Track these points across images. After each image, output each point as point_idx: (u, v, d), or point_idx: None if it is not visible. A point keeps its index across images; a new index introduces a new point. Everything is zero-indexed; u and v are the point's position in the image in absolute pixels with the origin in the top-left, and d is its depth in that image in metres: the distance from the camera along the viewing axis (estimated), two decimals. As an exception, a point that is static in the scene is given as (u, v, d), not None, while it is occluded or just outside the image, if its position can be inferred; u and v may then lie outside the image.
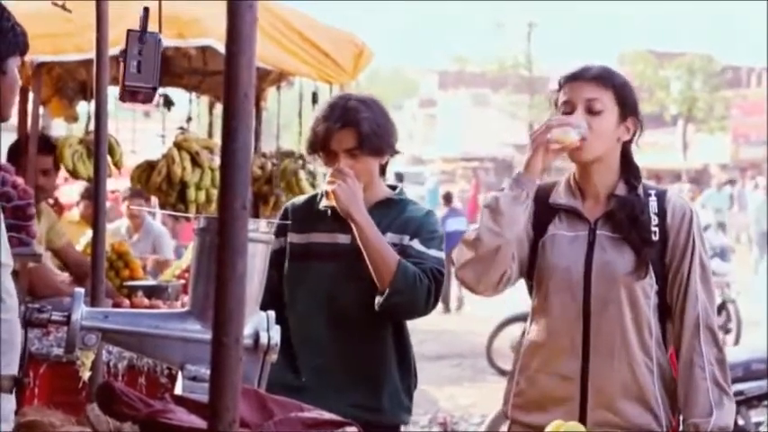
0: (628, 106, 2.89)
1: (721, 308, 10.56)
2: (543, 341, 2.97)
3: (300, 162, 6.05)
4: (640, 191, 2.91)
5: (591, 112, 2.85)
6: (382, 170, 3.44)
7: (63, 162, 5.36)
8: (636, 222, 2.87)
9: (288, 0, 5.76)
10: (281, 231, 3.34)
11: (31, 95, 5.28)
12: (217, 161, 5.79)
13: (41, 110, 6.08)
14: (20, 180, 4.17)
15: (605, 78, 2.88)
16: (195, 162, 5.65)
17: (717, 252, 11.73)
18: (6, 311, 2.44)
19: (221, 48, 4.00)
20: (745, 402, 6.45)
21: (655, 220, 2.88)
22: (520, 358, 3.04)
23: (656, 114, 41.10)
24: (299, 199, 3.61)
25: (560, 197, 2.99)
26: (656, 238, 2.87)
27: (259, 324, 2.32)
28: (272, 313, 2.38)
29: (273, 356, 2.31)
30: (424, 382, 10.22)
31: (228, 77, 1.45)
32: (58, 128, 8.37)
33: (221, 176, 1.48)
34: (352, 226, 3.22)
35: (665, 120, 40.89)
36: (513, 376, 3.05)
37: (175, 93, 7.00)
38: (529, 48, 48.65)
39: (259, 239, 2.33)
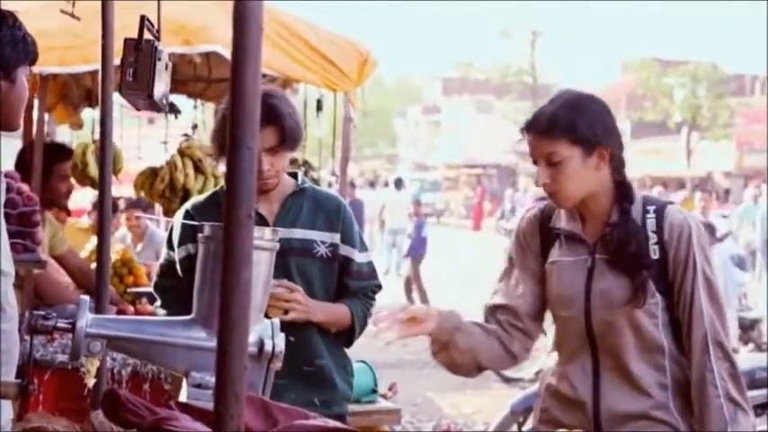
0: (588, 142, 2.80)
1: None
2: (562, 362, 3.00)
3: (304, 168, 6.06)
4: (636, 212, 2.86)
5: (551, 164, 2.81)
6: None
7: (88, 169, 5.40)
8: (626, 249, 2.82)
9: (294, 2, 5.77)
10: (188, 237, 3.31)
11: (36, 102, 5.30)
12: (220, 168, 5.80)
13: (46, 116, 6.10)
14: (25, 187, 4.18)
15: (552, 129, 2.80)
16: (198, 169, 5.67)
17: (735, 262, 11.70)
18: (6, 321, 2.45)
19: (227, 54, 4.01)
20: (749, 411, 6.46)
21: (653, 237, 2.83)
22: (546, 376, 3.06)
23: (659, 122, 41.08)
24: (199, 199, 3.54)
25: (561, 221, 2.97)
26: (655, 255, 2.82)
27: (263, 331, 2.32)
28: (276, 321, 2.39)
29: (278, 364, 2.31)
30: (427, 389, 10.24)
31: (234, 88, 1.46)
32: (62, 134, 8.39)
33: (227, 185, 1.49)
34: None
35: (668, 127, 40.85)
36: (540, 393, 3.08)
37: (180, 99, 7.02)
38: (533, 55, 48.71)
39: (264, 247, 2.34)
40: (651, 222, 2.84)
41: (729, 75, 42.87)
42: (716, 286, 2.85)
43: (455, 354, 2.97)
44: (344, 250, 3.37)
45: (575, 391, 2.92)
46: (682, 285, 2.82)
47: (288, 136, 3.24)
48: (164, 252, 3.47)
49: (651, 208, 2.87)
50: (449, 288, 16.90)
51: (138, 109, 3.57)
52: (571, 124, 2.79)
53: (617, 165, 2.87)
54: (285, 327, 3.20)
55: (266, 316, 3.10)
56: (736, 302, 10.17)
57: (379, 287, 3.52)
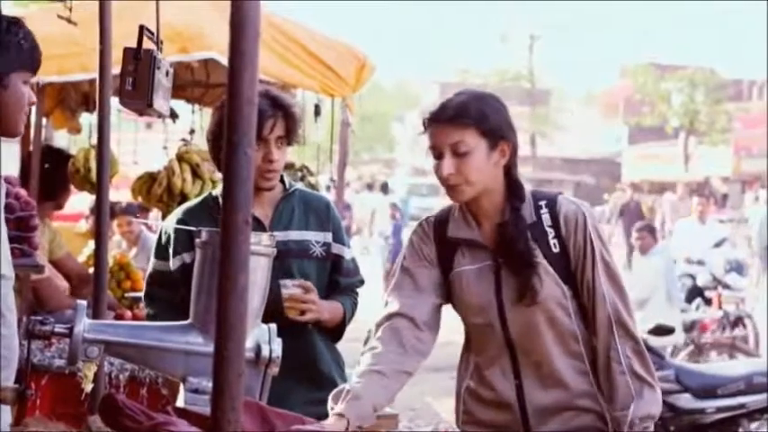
0: (494, 135, 2.80)
1: (738, 321, 10.51)
2: (480, 366, 2.99)
3: (300, 174, 6.07)
4: (528, 209, 2.86)
5: (456, 154, 2.78)
6: None
7: (91, 174, 5.42)
8: (515, 248, 2.83)
9: (291, 6, 5.77)
10: (183, 244, 3.31)
11: (33, 107, 5.31)
12: (218, 173, 5.81)
13: (44, 121, 6.11)
14: (22, 191, 4.19)
15: (462, 116, 2.78)
16: (196, 174, 5.66)
17: (733, 267, 11.69)
18: (6, 327, 2.44)
19: (224, 60, 4.01)
20: (747, 415, 6.48)
21: (551, 232, 2.84)
22: (465, 378, 3.05)
23: (657, 127, 41.12)
24: (190, 205, 3.52)
25: (458, 229, 2.94)
26: (556, 249, 2.83)
27: (260, 337, 2.33)
28: (273, 326, 2.39)
29: (275, 369, 2.32)
30: (425, 394, 10.23)
31: (231, 93, 1.46)
32: (60, 139, 8.39)
33: (224, 191, 1.49)
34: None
35: (666, 132, 40.87)
36: (460, 395, 3.06)
37: (178, 104, 7.02)
38: (531, 60, 48.80)
39: (261, 253, 2.34)
40: (546, 217, 2.85)
41: (727, 80, 42.93)
42: (614, 268, 2.87)
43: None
44: (336, 248, 3.43)
45: (498, 395, 2.93)
46: (583, 273, 2.84)
47: (293, 128, 3.31)
48: (152, 261, 3.43)
49: (543, 203, 2.87)
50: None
51: (140, 114, 3.58)
52: (481, 114, 2.79)
53: (513, 163, 2.88)
54: (288, 327, 3.23)
55: (284, 316, 3.16)
56: (680, 303, 10.18)
57: (362, 282, 3.59)
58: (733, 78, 45.02)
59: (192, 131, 6.47)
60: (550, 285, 2.83)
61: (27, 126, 5.66)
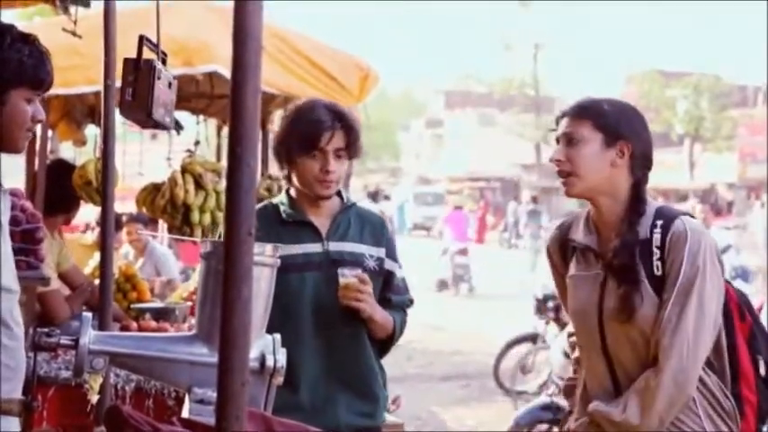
0: (611, 131, 2.83)
1: None
2: (585, 381, 3.01)
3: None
4: (645, 225, 2.82)
5: (569, 144, 2.86)
6: None
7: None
8: (617, 262, 2.82)
9: (295, 15, 5.78)
10: None
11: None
12: (223, 184, 5.82)
13: (49, 133, 6.12)
14: (28, 204, 4.21)
15: (583, 111, 2.88)
16: (199, 185, 5.68)
17: (738, 274, 11.68)
18: (12, 339, 2.45)
19: (227, 73, 4.03)
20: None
21: (657, 253, 2.78)
22: (578, 388, 3.07)
23: (662, 134, 41.08)
24: None
25: (578, 234, 2.97)
26: (659, 272, 2.77)
27: (265, 347, 2.33)
28: (277, 336, 2.40)
29: (279, 379, 2.32)
30: (432, 403, 10.20)
31: (234, 105, 1.47)
32: (66, 151, 8.41)
33: (227, 202, 1.50)
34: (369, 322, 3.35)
35: (671, 139, 40.85)
36: (574, 404, 3.09)
37: (182, 116, 7.04)
38: (535, 68, 48.81)
39: (264, 263, 2.35)
40: (657, 237, 2.80)
41: (732, 86, 42.90)
42: (696, 305, 2.74)
43: None
44: (388, 264, 3.46)
45: None
46: (665, 293, 2.77)
47: (353, 142, 3.34)
48: None
49: (660, 222, 2.82)
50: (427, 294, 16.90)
51: (143, 127, 3.59)
52: (600, 110, 2.87)
53: (641, 177, 2.88)
54: (347, 331, 3.33)
55: (338, 303, 3.24)
56: None
57: (412, 302, 3.58)
58: (738, 84, 44.98)
59: (196, 142, 6.49)
60: (649, 306, 2.78)
61: (33, 139, 5.70)
